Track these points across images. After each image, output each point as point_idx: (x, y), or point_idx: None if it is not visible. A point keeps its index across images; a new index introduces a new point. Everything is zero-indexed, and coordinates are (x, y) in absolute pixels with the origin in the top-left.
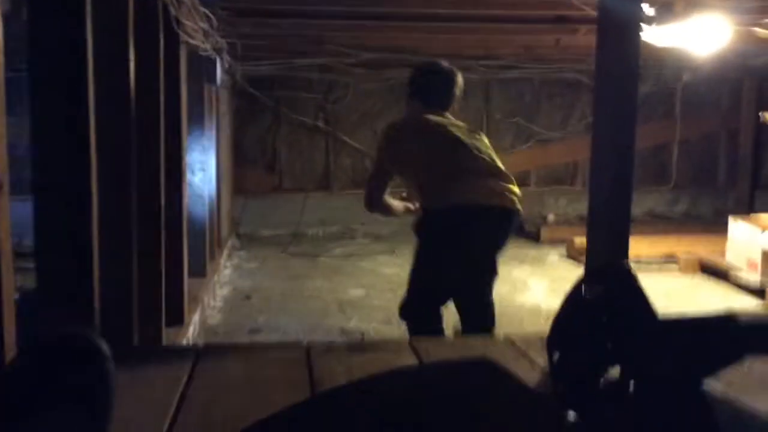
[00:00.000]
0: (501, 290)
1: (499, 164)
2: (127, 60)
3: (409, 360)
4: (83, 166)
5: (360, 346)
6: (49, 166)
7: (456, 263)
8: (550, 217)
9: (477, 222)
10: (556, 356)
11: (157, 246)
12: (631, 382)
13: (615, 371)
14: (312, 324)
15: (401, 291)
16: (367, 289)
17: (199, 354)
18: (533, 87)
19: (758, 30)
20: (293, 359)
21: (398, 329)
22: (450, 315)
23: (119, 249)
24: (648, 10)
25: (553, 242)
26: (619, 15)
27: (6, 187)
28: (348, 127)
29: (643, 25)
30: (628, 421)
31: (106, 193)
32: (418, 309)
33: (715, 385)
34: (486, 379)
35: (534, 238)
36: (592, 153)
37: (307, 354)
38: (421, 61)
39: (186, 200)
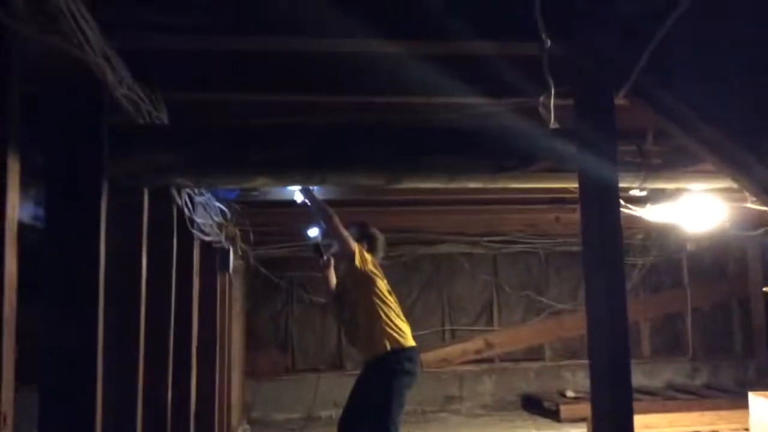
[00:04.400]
0: None
1: None
2: (140, 263)
3: None
4: (89, 359)
5: None
6: (55, 362)
7: None
8: (569, 393)
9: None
10: None
11: None
12: None
13: None
14: None
15: None
16: None
17: None
18: (540, 260)
19: (751, 206)
20: None
21: None
22: None
23: None
24: (640, 193)
25: (574, 420)
26: (599, 188)
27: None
28: None
29: (635, 206)
30: None
31: (111, 386)
32: None
33: None
34: None
35: (554, 416)
36: (588, 328)
37: None
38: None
39: (194, 393)
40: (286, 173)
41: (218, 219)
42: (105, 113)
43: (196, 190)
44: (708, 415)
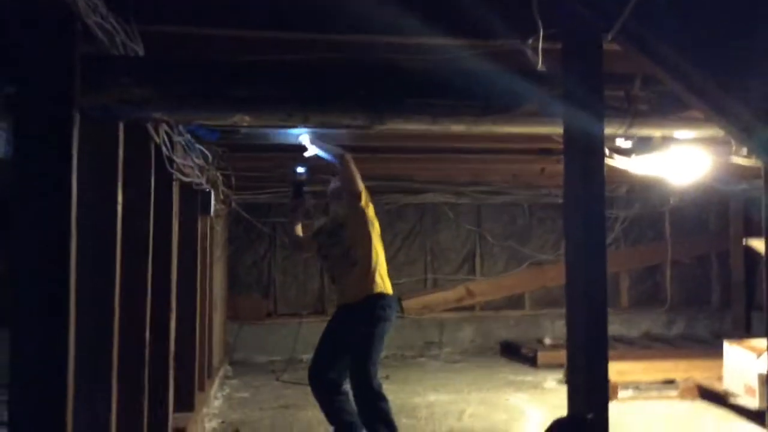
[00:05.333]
0: (497, 419)
1: None
2: (115, 201)
3: None
4: (60, 293)
5: None
6: (26, 299)
7: None
8: (547, 341)
9: None
10: None
11: (140, 382)
12: None
13: None
14: None
15: (397, 418)
16: None
17: None
18: (524, 211)
19: (736, 159)
20: None
21: None
22: None
23: (96, 382)
24: (625, 143)
25: (551, 366)
26: (584, 145)
27: None
28: None
29: (620, 156)
30: None
31: (84, 320)
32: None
33: None
34: None
35: (531, 362)
36: (567, 276)
37: None
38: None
39: (173, 334)
40: (267, 111)
41: (199, 161)
42: (77, 42)
43: (176, 129)
44: (682, 364)
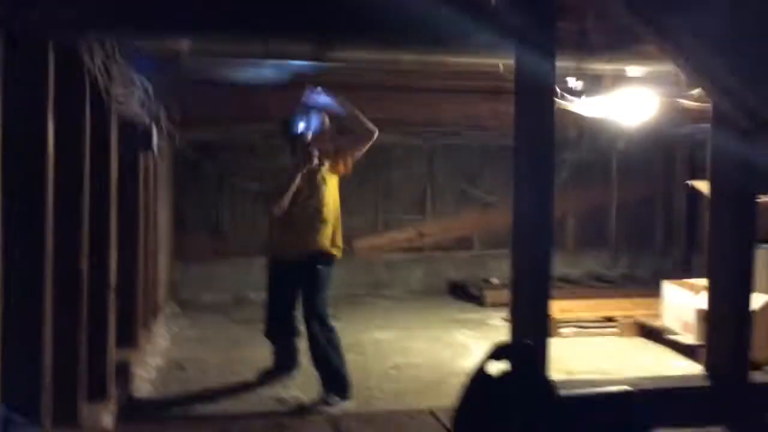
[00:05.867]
0: (442, 355)
1: None
2: (45, 129)
3: None
4: None
5: (279, 425)
6: None
7: None
8: (494, 280)
9: None
10: None
11: (77, 313)
12: None
13: None
14: (247, 394)
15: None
16: (307, 355)
17: None
18: (475, 153)
19: (683, 101)
20: None
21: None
22: None
23: (28, 315)
24: (576, 83)
25: (497, 305)
26: (535, 83)
27: None
28: None
29: (572, 97)
30: None
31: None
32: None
33: None
34: None
35: (477, 301)
36: (514, 217)
37: None
38: None
39: (113, 266)
40: (212, 34)
41: (140, 94)
42: None
43: (113, 58)
44: (624, 303)
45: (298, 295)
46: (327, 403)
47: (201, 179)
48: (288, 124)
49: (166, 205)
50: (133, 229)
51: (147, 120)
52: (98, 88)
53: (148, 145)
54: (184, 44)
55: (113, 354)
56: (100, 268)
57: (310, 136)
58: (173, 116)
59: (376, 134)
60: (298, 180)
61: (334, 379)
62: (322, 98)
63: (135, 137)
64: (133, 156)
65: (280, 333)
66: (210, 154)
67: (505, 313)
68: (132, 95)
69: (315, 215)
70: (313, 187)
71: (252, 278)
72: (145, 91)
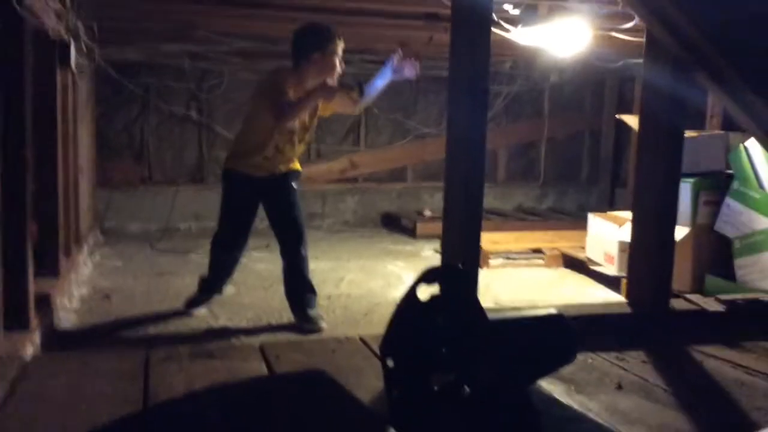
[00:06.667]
0: (374, 285)
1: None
2: None
3: (257, 366)
4: None
5: (206, 351)
6: None
7: None
8: (426, 212)
9: None
10: (390, 362)
11: None
12: (465, 387)
13: (450, 376)
14: (175, 324)
15: (274, 288)
16: (237, 285)
17: (26, 366)
18: (410, 84)
19: (615, 35)
20: (129, 370)
21: (268, 329)
22: None
23: None
24: (513, 10)
25: (429, 237)
26: (473, 9)
27: None
28: (222, 118)
29: (508, 25)
30: (461, 427)
31: None
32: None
33: (553, 385)
34: (318, 397)
35: (410, 233)
36: (447, 149)
37: (146, 363)
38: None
39: (29, 190)
40: None
41: (56, 5)
42: None
43: None
44: (550, 234)
45: (255, 214)
46: (313, 324)
47: (124, 102)
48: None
49: (87, 129)
50: (51, 151)
51: (64, 34)
52: None
53: (65, 61)
54: None
55: (31, 282)
56: (14, 193)
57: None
58: (92, 31)
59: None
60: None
61: (314, 299)
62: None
63: (51, 53)
64: (49, 73)
65: (228, 249)
66: (134, 75)
67: (437, 245)
68: (47, 7)
69: (303, 140)
70: (314, 115)
71: (178, 207)
72: (63, 3)
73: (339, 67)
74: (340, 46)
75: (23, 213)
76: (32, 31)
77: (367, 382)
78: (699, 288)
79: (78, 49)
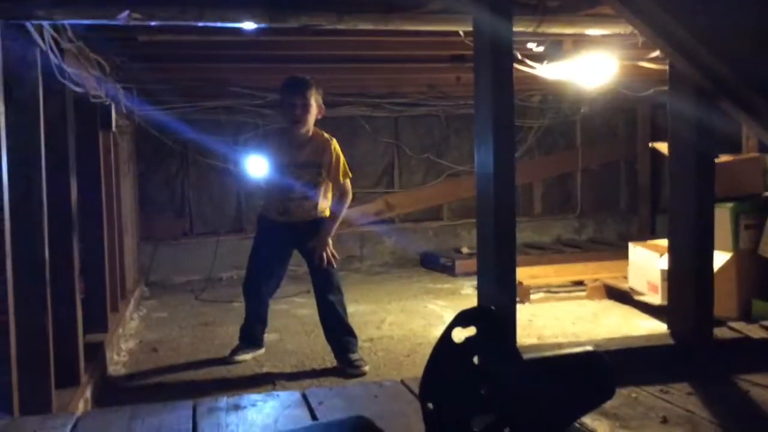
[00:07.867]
0: (415, 326)
1: None
2: None
3: (300, 413)
4: None
5: (250, 400)
6: None
7: None
8: (464, 250)
9: None
10: (430, 405)
11: (41, 299)
12: (506, 429)
13: (490, 418)
14: (221, 373)
15: (316, 333)
16: (280, 332)
17: (77, 422)
18: (440, 122)
19: (643, 64)
20: (176, 422)
21: (311, 374)
22: None
23: None
24: (536, 48)
25: (468, 275)
26: (493, 47)
27: None
28: None
29: (533, 62)
30: None
31: None
32: None
33: (598, 421)
34: None
35: (449, 271)
36: (477, 187)
37: (193, 415)
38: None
39: (75, 248)
40: (158, 6)
41: (95, 72)
42: None
43: (64, 35)
44: (591, 266)
45: (288, 258)
46: (356, 368)
47: (164, 158)
48: None
49: (130, 186)
50: (96, 211)
51: (105, 98)
52: (51, 67)
53: (107, 124)
54: (133, 15)
55: (81, 339)
56: (63, 253)
57: None
58: (131, 92)
59: None
60: None
61: (355, 342)
62: None
63: (93, 116)
64: (93, 135)
65: (254, 293)
66: (172, 132)
67: (476, 282)
68: (88, 74)
69: (307, 199)
70: (318, 183)
71: (220, 258)
72: (102, 69)
73: (296, 116)
74: (312, 95)
75: (71, 271)
76: (74, 97)
77: (410, 426)
78: (746, 313)
79: (118, 111)
